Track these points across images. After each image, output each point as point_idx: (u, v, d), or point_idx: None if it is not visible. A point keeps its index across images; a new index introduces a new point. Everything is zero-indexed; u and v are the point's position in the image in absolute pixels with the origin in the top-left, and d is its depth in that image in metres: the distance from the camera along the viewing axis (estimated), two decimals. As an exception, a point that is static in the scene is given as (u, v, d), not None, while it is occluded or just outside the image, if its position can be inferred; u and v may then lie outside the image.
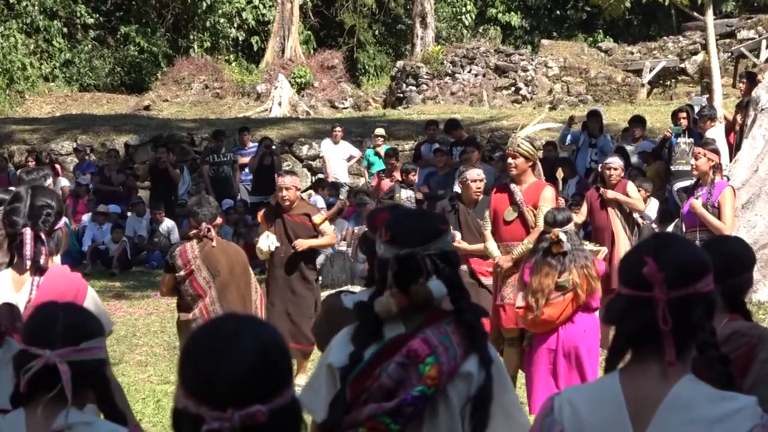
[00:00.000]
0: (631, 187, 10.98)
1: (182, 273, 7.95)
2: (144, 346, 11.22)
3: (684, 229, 9.45)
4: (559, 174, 12.22)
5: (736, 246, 4.10)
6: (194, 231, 8.08)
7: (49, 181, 7.58)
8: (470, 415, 3.28)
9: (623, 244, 10.47)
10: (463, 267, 9.48)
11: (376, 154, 18.89)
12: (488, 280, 9.13)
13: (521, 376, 8.34)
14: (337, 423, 3.23)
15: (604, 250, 9.20)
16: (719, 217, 9.28)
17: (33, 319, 3.01)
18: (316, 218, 9.69)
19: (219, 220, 8.29)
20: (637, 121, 16.78)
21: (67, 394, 2.86)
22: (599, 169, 11.19)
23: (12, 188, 6.23)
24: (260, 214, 10.16)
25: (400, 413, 3.19)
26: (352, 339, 3.32)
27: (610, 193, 10.77)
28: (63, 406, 2.88)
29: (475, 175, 9.57)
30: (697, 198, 9.42)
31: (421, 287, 3.26)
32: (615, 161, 10.99)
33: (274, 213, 9.68)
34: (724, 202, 9.32)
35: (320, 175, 20.23)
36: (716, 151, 9.66)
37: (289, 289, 9.55)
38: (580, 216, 10.86)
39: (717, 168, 9.56)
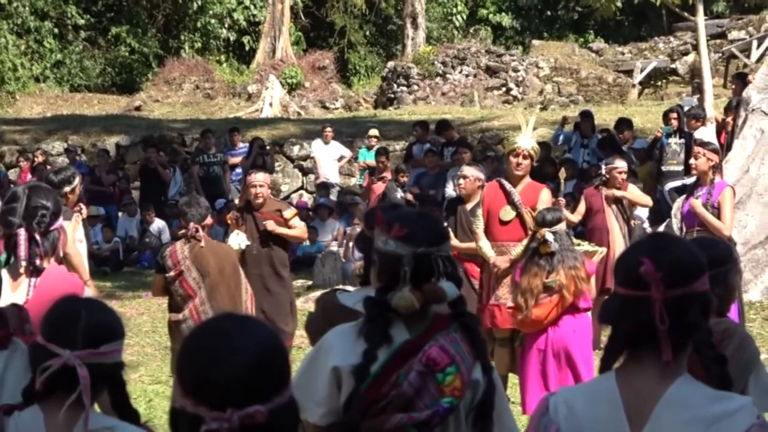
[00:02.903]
0: (633, 187, 11.08)
1: (172, 273, 7.95)
2: (135, 346, 11.19)
3: (684, 229, 9.45)
4: (562, 174, 12.23)
5: (710, 244, 4.09)
6: (182, 231, 8.09)
7: (77, 179, 7.55)
8: (473, 422, 3.32)
9: (619, 244, 10.48)
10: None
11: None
12: (476, 282, 9.11)
13: (512, 376, 8.33)
14: (355, 423, 3.22)
15: (603, 250, 9.17)
16: (719, 217, 9.29)
17: (54, 314, 2.88)
18: (287, 213, 9.66)
19: (209, 221, 8.27)
20: (624, 123, 16.81)
21: (85, 399, 2.77)
22: (602, 172, 11.06)
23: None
24: (229, 215, 10.14)
25: (428, 424, 3.21)
26: (364, 336, 3.27)
27: (618, 193, 10.77)
28: (83, 409, 2.79)
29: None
30: (696, 198, 9.41)
31: (436, 287, 3.27)
32: (621, 164, 10.94)
33: (244, 211, 9.64)
34: (724, 202, 9.31)
35: (311, 175, 20.24)
36: (716, 151, 9.66)
37: (263, 287, 9.47)
38: (576, 215, 10.86)
39: (716, 168, 9.57)
